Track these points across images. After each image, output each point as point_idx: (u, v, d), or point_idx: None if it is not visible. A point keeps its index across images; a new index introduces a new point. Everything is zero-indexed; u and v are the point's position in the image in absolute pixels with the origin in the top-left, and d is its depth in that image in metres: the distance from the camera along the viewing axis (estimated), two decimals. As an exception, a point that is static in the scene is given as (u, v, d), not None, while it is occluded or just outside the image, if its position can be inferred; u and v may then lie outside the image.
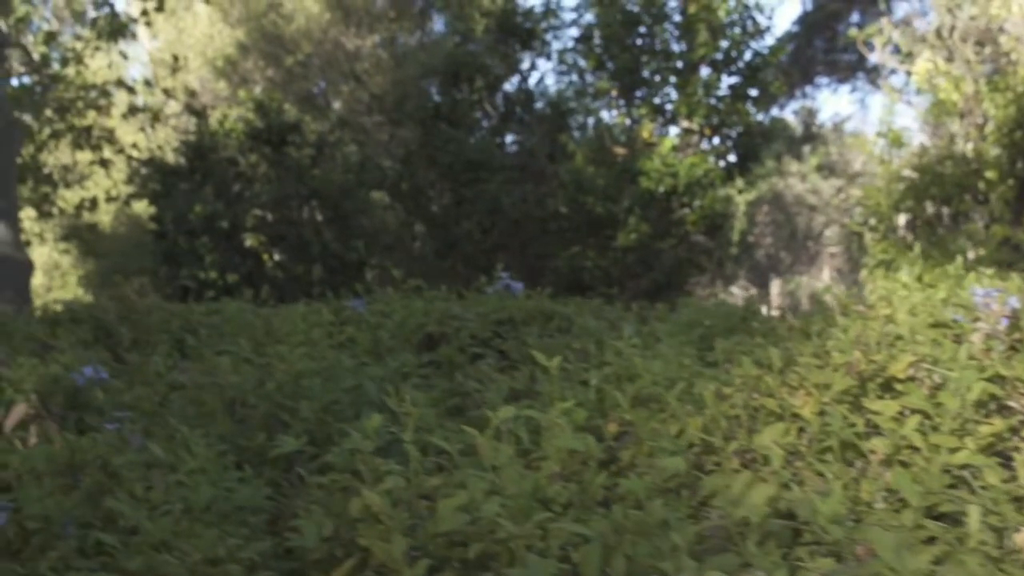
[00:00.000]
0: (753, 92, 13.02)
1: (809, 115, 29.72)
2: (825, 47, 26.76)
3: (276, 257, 14.95)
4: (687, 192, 12.55)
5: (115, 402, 4.32)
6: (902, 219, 13.77)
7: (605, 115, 13.79)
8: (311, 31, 23.31)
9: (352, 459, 2.86)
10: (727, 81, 13.02)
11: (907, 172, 12.37)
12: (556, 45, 13.70)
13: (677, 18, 13.01)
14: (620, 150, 12.97)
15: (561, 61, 13.80)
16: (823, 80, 28.10)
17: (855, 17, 26.56)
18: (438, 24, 24.78)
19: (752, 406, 2.64)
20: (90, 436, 4.00)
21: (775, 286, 30.77)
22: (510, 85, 13.82)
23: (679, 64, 13.10)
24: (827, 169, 30.09)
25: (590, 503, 2.48)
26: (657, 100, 13.20)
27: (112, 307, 6.77)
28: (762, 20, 13.03)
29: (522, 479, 2.39)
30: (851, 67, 27.50)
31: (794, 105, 29.39)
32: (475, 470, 2.51)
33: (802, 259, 31.59)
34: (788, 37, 13.32)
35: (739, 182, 13.37)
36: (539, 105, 13.66)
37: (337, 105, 22.76)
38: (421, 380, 3.86)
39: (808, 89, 27.84)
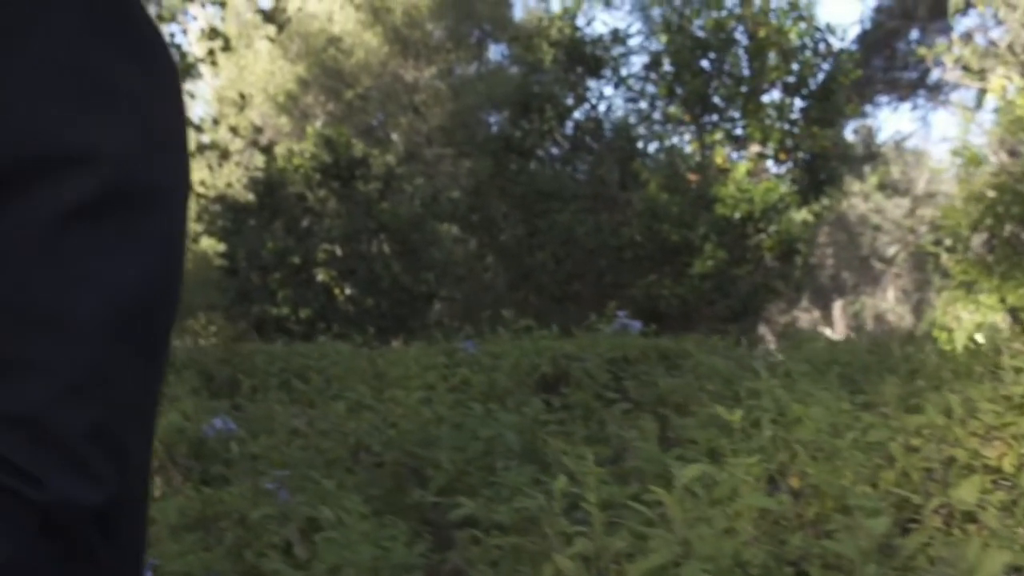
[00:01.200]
0: (826, 114, 12.84)
1: (869, 134, 29.33)
2: (884, 65, 26.43)
3: (347, 291, 14.98)
4: (763, 217, 12.39)
5: (243, 453, 4.27)
6: (977, 239, 13.48)
7: (676, 141, 13.68)
8: (370, 64, 23.47)
9: (519, 516, 2.77)
10: (799, 104, 12.86)
11: (986, 191, 12.13)
12: (625, 72, 13.62)
13: (746, 42, 12.88)
14: (693, 176, 12.85)
15: (629, 88, 13.72)
16: (883, 99, 27.74)
17: (914, 34, 26.26)
18: (494, 53, 24.87)
19: (942, 458, 2.53)
20: (224, 489, 3.94)
21: (837, 307, 30.33)
22: (579, 114, 13.76)
23: (750, 88, 12.96)
24: (890, 188, 29.68)
25: (785, 566, 2.37)
26: (729, 125, 13.07)
27: (213, 351, 6.76)
28: (834, 41, 12.88)
29: (718, 541, 2.29)
30: (912, 85, 27.15)
31: (854, 124, 29.07)
32: (661, 530, 2.41)
33: (865, 280, 31.13)
34: (854, 56, 13.09)
35: (814, 205, 13.18)
36: (608, 133, 13.57)
37: (395, 137, 22.86)
38: (557, 427, 3.77)
39: (868, 108, 27.46)
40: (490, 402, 4.63)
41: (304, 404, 5.09)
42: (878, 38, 25.83)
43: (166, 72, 0.92)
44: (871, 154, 28.79)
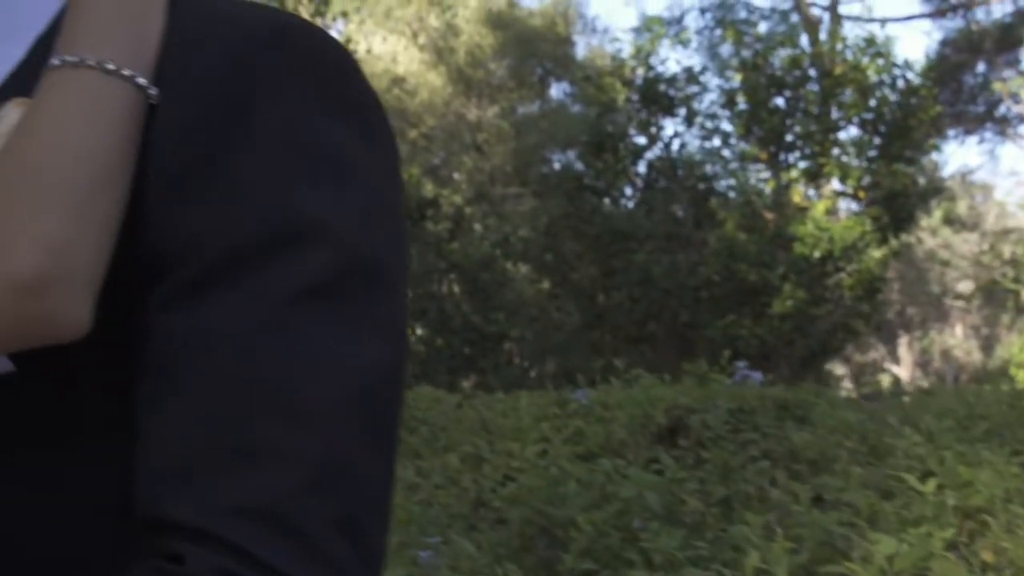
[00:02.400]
0: (904, 151, 12.66)
1: (935, 168, 28.95)
2: (951, 99, 26.11)
3: (418, 331, 14.96)
4: (842, 256, 12.21)
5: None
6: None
7: (752, 180, 13.55)
8: (434, 104, 23.62)
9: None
10: (877, 141, 12.69)
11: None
12: (699, 110, 13.53)
13: (822, 79, 12.76)
14: (770, 215, 12.70)
15: (703, 127, 13.64)
16: (949, 132, 27.35)
17: (981, 67, 25.94)
18: (556, 92, 24.92)
19: None
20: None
21: (904, 344, 29.82)
22: (652, 153, 13.69)
23: (826, 126, 12.82)
24: (957, 223, 29.24)
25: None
26: (806, 163, 12.93)
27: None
28: (912, 77, 12.71)
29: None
30: (979, 118, 26.79)
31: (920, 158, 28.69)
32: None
33: (932, 316, 30.60)
34: (932, 92, 12.90)
35: (893, 243, 12.96)
36: (682, 172, 13.49)
37: (457, 175, 22.94)
38: (697, 486, 3.66)
39: (928, 141, 27.04)
40: (607, 455, 4.54)
41: (411, 456, 5.02)
42: (944, 71, 25.50)
43: (389, 148, 0.90)
44: (937, 188, 28.29)
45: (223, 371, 0.76)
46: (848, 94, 12.70)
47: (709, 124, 13.66)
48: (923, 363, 30.38)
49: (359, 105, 0.88)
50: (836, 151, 12.92)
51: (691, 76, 13.39)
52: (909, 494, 3.07)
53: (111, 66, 0.85)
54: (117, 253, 0.78)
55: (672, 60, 12.31)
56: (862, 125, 12.76)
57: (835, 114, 12.96)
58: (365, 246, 0.81)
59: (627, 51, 13.70)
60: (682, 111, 13.52)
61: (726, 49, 16.09)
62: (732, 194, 13.49)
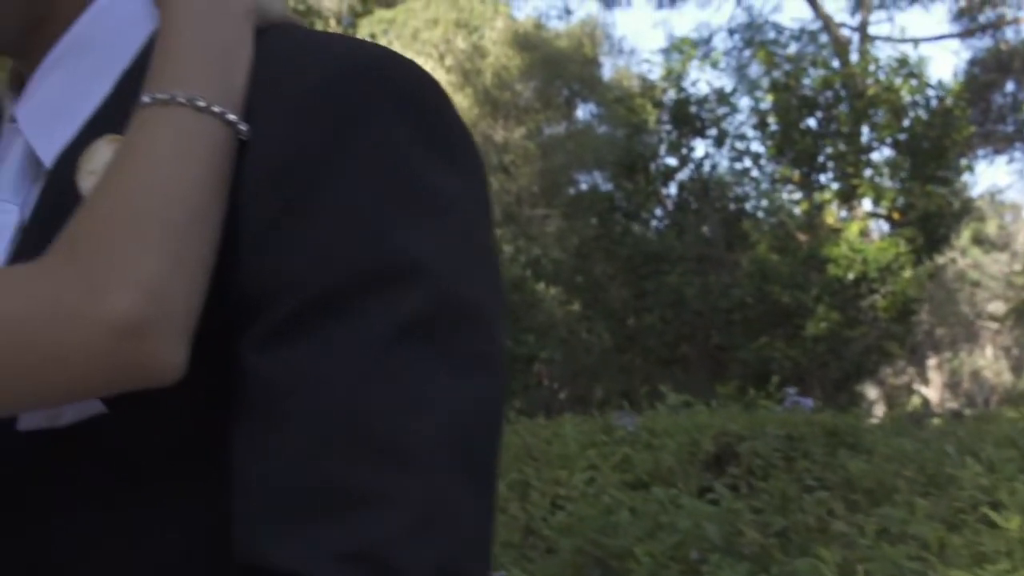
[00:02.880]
0: (939, 172, 12.58)
1: (964, 188, 28.77)
2: (979, 118, 25.98)
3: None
4: (877, 278, 12.12)
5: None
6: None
7: (785, 201, 13.50)
8: (461, 126, 23.63)
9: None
10: (910, 161, 12.61)
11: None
12: (730, 132, 13.49)
13: (855, 100, 12.70)
14: (803, 237, 12.63)
15: (734, 148, 13.60)
16: (978, 152, 27.19)
17: (1009, 87, 25.80)
18: (583, 113, 24.93)
19: None
20: None
21: (933, 364, 29.58)
22: (684, 174, 13.66)
23: (860, 147, 12.76)
24: (987, 243, 29.04)
25: None
26: (839, 184, 12.86)
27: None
28: (946, 98, 12.63)
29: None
30: (1008, 138, 26.65)
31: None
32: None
33: (961, 336, 30.36)
34: (965, 113, 12.83)
35: (928, 265, 12.87)
36: (713, 193, 13.45)
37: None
38: (754, 517, 3.61)
39: (961, 161, 26.85)
40: (656, 483, 4.49)
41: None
42: (973, 91, 25.38)
43: (481, 181, 0.89)
44: (966, 208, 28.12)
45: (322, 412, 0.74)
46: (881, 115, 12.63)
47: (740, 145, 13.61)
48: (953, 384, 30.13)
49: (452, 139, 0.87)
50: (869, 171, 12.85)
51: (722, 97, 13.35)
52: (976, 527, 3.01)
53: (201, 103, 0.84)
54: (210, 292, 0.77)
55: (702, 81, 12.37)
56: (895, 145, 12.68)
57: (868, 135, 12.89)
58: (462, 284, 0.79)
59: (657, 72, 13.67)
60: (713, 132, 13.48)
61: (755, 69, 16.08)
62: (764, 215, 13.43)
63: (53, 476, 0.82)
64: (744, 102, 13.98)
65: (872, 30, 17.60)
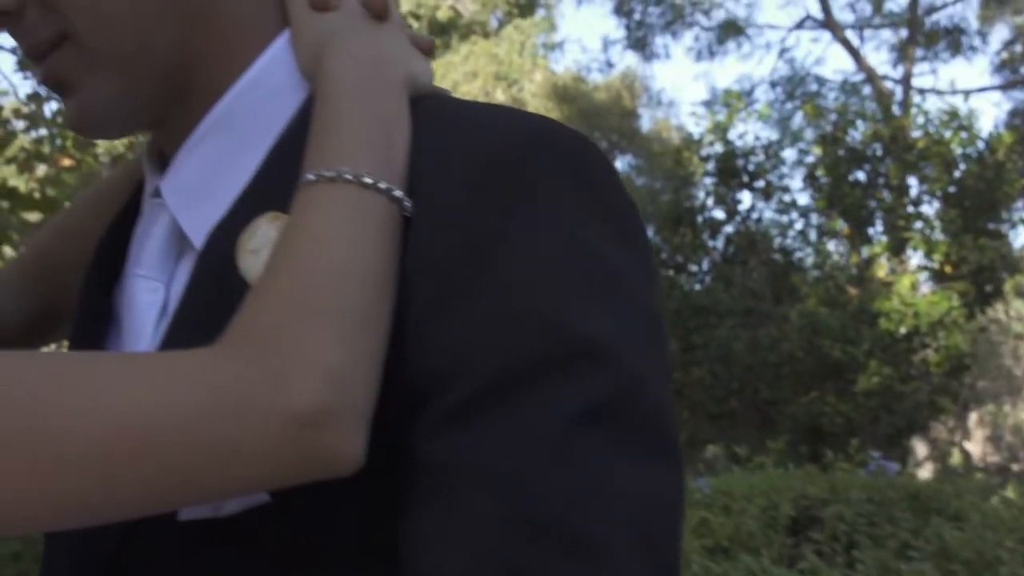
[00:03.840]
0: (991, 225, 12.46)
1: (1012, 241, 28.50)
2: (1020, 170, 25.75)
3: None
4: (930, 332, 11.97)
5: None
6: None
7: (833, 253, 13.40)
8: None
9: None
10: (961, 214, 12.50)
11: None
12: (776, 184, 13.43)
13: (904, 152, 12.63)
14: (853, 290, 12.52)
15: (780, 201, 13.54)
16: (1017, 203, 26.91)
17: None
18: (622, 164, 24.95)
19: None
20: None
21: (974, 418, 29.15)
22: (731, 227, 13.60)
23: (910, 199, 12.67)
24: (1030, 294, 28.69)
25: None
26: (889, 237, 12.76)
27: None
28: (998, 151, 12.53)
29: None
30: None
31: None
32: None
33: (1004, 390, 29.94)
34: (1017, 165, 12.72)
35: (981, 319, 12.70)
36: (760, 246, 13.37)
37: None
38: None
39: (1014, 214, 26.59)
40: (737, 547, 4.38)
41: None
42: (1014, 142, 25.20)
43: (648, 253, 0.86)
44: (1014, 261, 27.74)
45: (500, 504, 0.71)
46: (930, 168, 12.55)
47: (786, 198, 13.55)
48: (995, 438, 29.68)
49: (620, 210, 0.84)
50: (919, 224, 12.75)
51: (769, 150, 13.31)
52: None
53: (368, 179, 0.81)
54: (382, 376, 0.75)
55: (747, 133, 12.31)
56: (945, 199, 12.58)
57: (917, 187, 12.81)
58: (640, 367, 0.76)
59: (703, 124, 13.66)
60: (759, 184, 13.43)
61: (797, 121, 16.05)
62: (812, 268, 13.34)
63: (213, 569, 0.79)
64: (786, 154, 13.92)
65: (915, 82, 17.54)
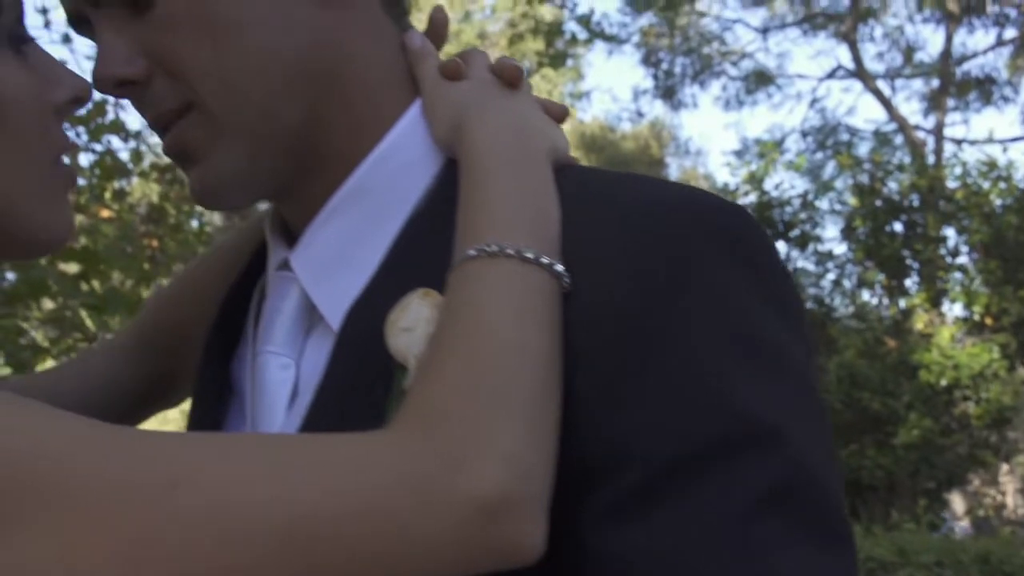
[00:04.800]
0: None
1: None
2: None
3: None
4: (970, 384, 11.83)
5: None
6: None
7: (872, 305, 13.31)
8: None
9: None
10: (1001, 265, 12.39)
11: None
12: (812, 234, 13.38)
13: (943, 203, 12.57)
14: (892, 342, 12.40)
15: (817, 252, 13.48)
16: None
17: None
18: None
19: None
20: None
21: (1004, 469, 28.81)
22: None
23: (949, 251, 12.60)
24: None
25: None
26: (928, 289, 12.67)
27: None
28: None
29: None
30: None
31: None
32: None
33: (1035, 440, 29.62)
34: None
35: (1022, 371, 12.56)
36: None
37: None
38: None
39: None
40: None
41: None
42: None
43: (808, 329, 0.84)
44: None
45: None
46: (969, 218, 12.48)
47: (822, 248, 13.49)
48: (1025, 489, 29.33)
49: (780, 286, 0.82)
50: (959, 275, 12.65)
51: (806, 201, 13.28)
52: None
53: (530, 254, 0.79)
54: None
55: (782, 183, 12.33)
56: (985, 250, 12.48)
57: (956, 238, 12.74)
58: (810, 449, 0.74)
59: (740, 174, 13.64)
60: (795, 234, 13.38)
61: (828, 171, 16.02)
62: (848, 319, 13.24)
63: None
64: (820, 204, 13.86)
65: (947, 132, 17.51)
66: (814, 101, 18.06)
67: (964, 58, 17.67)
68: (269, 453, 0.71)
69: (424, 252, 0.89)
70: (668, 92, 20.32)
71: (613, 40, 16.46)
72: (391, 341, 0.82)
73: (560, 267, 0.79)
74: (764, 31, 18.08)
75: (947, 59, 17.03)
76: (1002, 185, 12.35)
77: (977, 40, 25.73)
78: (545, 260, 0.79)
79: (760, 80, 18.44)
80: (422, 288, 0.84)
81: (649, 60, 20.00)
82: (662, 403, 0.73)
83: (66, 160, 0.93)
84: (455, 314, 0.78)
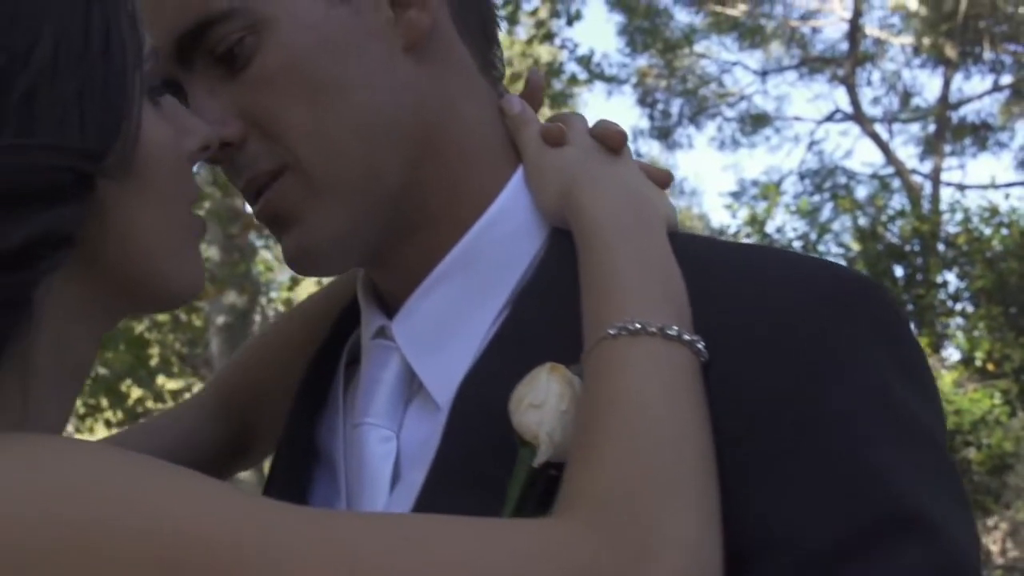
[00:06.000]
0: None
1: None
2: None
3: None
4: (972, 430, 11.82)
5: None
6: None
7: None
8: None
9: None
10: (1004, 312, 12.42)
11: None
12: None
13: (944, 248, 12.61)
14: (895, 387, 12.40)
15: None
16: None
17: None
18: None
19: None
20: None
21: (993, 516, 28.75)
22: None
23: (950, 296, 12.62)
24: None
25: None
26: (928, 334, 12.68)
27: None
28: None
29: None
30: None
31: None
32: None
33: (1025, 484, 29.66)
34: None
35: (1022, 417, 12.57)
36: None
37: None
38: None
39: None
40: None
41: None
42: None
43: (942, 407, 0.84)
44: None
45: None
46: (971, 264, 12.52)
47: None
48: (1013, 533, 29.33)
49: (916, 358, 0.82)
50: (960, 320, 12.67)
51: (807, 244, 13.32)
52: None
53: (672, 331, 0.78)
54: None
55: (793, 228, 12.40)
56: (988, 295, 12.50)
57: (957, 283, 12.77)
58: (961, 535, 0.73)
59: (741, 215, 13.68)
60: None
61: (825, 214, 16.06)
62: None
63: None
64: (820, 247, 13.88)
65: (943, 176, 17.61)
66: (812, 144, 18.11)
67: (962, 101, 17.81)
68: (424, 536, 0.68)
69: (537, 325, 0.87)
70: (664, 132, 20.40)
71: (613, 81, 16.50)
72: (518, 418, 0.79)
73: (701, 344, 0.77)
74: (763, 74, 18.20)
75: (944, 104, 17.16)
76: (1004, 231, 12.39)
77: (974, 86, 25.95)
78: (687, 337, 0.77)
79: (758, 122, 18.54)
80: (549, 363, 0.81)
81: (645, 100, 20.08)
82: (816, 487, 0.71)
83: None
84: (604, 396, 0.75)
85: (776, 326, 0.78)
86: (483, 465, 0.82)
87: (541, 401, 0.78)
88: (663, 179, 0.98)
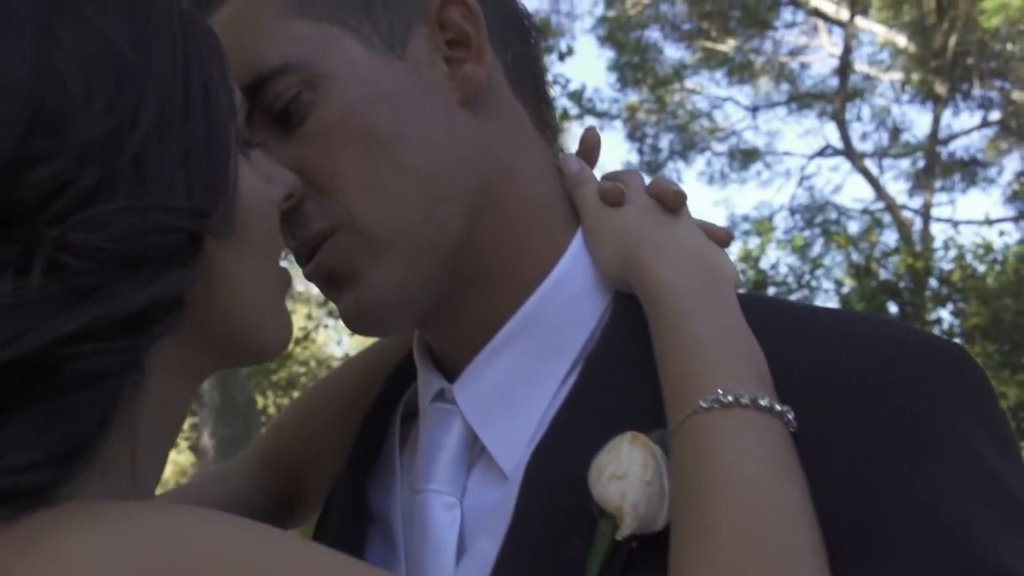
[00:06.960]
0: (1025, 360, 12.34)
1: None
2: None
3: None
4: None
5: None
6: None
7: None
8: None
9: None
10: (999, 349, 12.39)
11: None
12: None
13: (942, 285, 12.60)
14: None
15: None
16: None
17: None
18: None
19: None
20: None
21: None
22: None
23: (944, 332, 12.58)
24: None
25: None
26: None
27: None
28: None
29: None
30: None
31: None
32: None
33: None
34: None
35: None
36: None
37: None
38: None
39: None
40: None
41: None
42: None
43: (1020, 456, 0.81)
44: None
45: None
46: (965, 300, 12.50)
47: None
48: None
49: (997, 415, 0.81)
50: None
51: (800, 281, 13.30)
52: None
53: (764, 402, 0.76)
54: None
55: (779, 263, 12.43)
56: (982, 332, 12.47)
57: (951, 320, 12.75)
58: None
59: (734, 251, 13.63)
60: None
61: (816, 249, 16.07)
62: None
63: None
64: (813, 283, 13.91)
65: (933, 212, 17.64)
66: (803, 179, 18.16)
67: (951, 138, 17.88)
68: None
69: (607, 391, 0.85)
70: (653, 167, 20.41)
71: (603, 115, 16.54)
72: (599, 489, 0.77)
73: (791, 414, 0.76)
74: (754, 109, 18.26)
75: (934, 140, 17.21)
76: (997, 268, 12.38)
77: (963, 121, 26.16)
78: (778, 408, 0.76)
79: (748, 157, 18.59)
80: (630, 432, 0.79)
81: (635, 135, 20.09)
82: (909, 556, 0.70)
83: None
84: (706, 474, 0.74)
85: (861, 392, 0.76)
86: (559, 537, 0.79)
87: (624, 472, 0.76)
88: (723, 238, 0.96)
